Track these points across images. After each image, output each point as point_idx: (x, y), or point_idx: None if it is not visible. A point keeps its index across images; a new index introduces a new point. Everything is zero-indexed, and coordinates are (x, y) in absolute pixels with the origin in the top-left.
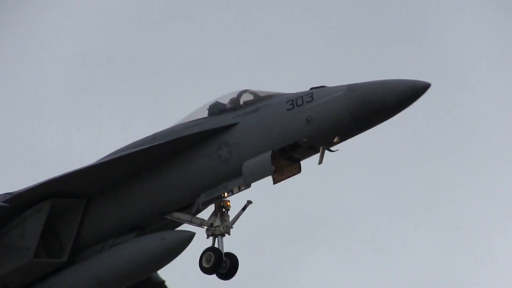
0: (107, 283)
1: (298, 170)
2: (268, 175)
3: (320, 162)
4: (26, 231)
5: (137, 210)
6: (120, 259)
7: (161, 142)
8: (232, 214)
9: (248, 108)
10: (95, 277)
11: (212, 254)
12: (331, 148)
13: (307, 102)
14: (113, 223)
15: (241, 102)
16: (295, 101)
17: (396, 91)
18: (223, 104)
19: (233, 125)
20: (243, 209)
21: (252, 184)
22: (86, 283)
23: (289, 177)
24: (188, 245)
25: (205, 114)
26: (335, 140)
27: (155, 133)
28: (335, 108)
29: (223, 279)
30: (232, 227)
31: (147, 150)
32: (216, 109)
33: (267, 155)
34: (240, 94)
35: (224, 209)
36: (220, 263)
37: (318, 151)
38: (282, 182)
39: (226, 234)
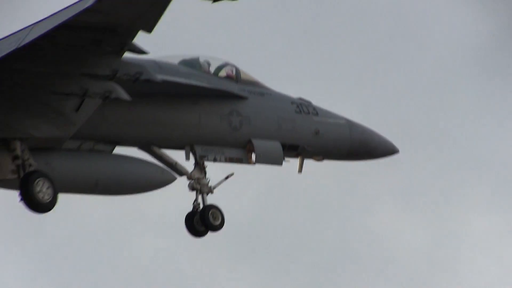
0: (100, 187)
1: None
2: (279, 165)
3: (300, 171)
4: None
5: (129, 130)
6: (122, 172)
7: (184, 81)
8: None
9: (251, 88)
10: (94, 178)
11: (218, 211)
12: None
13: (314, 114)
14: (100, 130)
15: (242, 77)
16: (301, 107)
17: (384, 148)
18: (223, 68)
19: (243, 97)
20: (226, 178)
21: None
22: (83, 178)
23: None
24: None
25: (206, 68)
26: (322, 158)
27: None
28: (341, 135)
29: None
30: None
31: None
32: (218, 70)
33: (279, 145)
34: (232, 66)
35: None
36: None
37: (299, 158)
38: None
39: (210, 193)
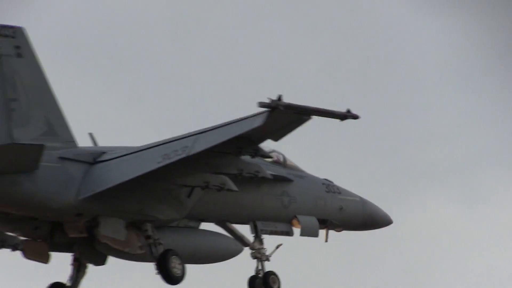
0: (196, 257)
1: None
2: (316, 236)
3: (327, 240)
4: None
5: (215, 210)
6: (212, 244)
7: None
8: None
9: (295, 172)
10: (192, 249)
11: (276, 277)
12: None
13: (338, 193)
14: (196, 210)
15: (287, 162)
16: (328, 187)
17: (384, 220)
18: (273, 154)
19: (290, 180)
20: (277, 247)
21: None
22: (185, 250)
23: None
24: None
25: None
26: (341, 230)
27: None
28: (357, 210)
29: None
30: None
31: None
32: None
33: (316, 220)
34: (279, 153)
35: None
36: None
37: (325, 229)
38: None
39: (267, 261)
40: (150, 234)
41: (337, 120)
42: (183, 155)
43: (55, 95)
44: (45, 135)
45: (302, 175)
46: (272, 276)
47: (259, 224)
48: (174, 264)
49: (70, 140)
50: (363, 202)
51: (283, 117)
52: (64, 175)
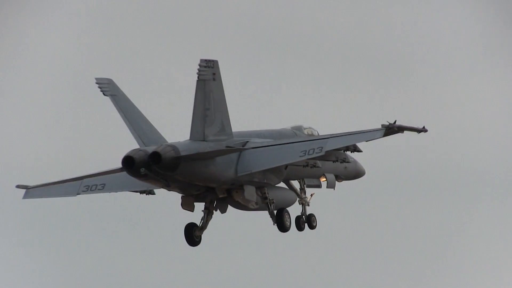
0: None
1: None
2: (334, 188)
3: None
4: None
5: (291, 176)
6: (286, 196)
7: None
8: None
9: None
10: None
11: (315, 217)
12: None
13: (346, 162)
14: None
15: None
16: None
17: (362, 171)
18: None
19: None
20: (311, 195)
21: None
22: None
23: None
24: None
25: (310, 133)
26: (342, 180)
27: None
28: (353, 168)
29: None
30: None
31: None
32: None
33: (334, 176)
34: (315, 130)
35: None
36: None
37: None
38: None
39: (308, 206)
40: (267, 196)
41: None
42: (321, 153)
43: (226, 105)
44: (220, 132)
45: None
46: (313, 217)
47: (306, 180)
48: (287, 218)
49: (230, 133)
50: (355, 161)
51: (392, 132)
52: (228, 158)
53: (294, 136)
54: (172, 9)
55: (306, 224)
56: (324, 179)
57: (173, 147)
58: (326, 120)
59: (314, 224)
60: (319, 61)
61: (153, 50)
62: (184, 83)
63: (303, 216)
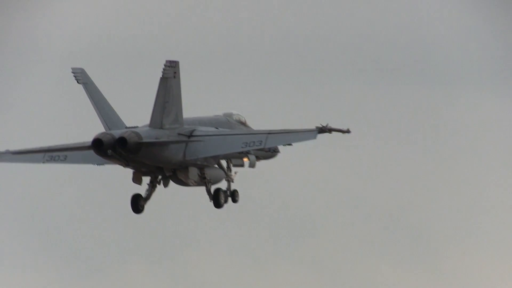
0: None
1: None
2: (254, 167)
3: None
4: None
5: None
6: (217, 174)
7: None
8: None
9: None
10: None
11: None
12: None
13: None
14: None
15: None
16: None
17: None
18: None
19: None
20: (235, 173)
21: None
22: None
23: None
24: None
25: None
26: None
27: None
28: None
29: None
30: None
31: None
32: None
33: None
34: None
35: None
36: None
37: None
38: None
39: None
40: (205, 176)
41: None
42: (260, 146)
43: (181, 99)
44: (174, 121)
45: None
46: (236, 192)
47: (232, 160)
48: (222, 197)
49: (182, 122)
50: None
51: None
52: (179, 145)
53: (227, 122)
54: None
55: (230, 198)
56: (247, 159)
57: (137, 133)
58: (257, 113)
59: (237, 199)
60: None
61: (125, 46)
62: (146, 78)
63: (228, 191)
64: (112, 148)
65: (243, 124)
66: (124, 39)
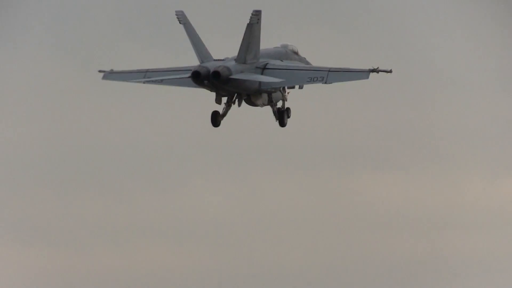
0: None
1: None
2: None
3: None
4: None
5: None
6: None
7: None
8: None
9: None
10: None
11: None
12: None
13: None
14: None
15: None
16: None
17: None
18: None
19: None
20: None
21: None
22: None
23: None
24: None
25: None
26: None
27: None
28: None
29: None
30: None
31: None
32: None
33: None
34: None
35: None
36: None
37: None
38: None
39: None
40: (272, 99)
41: None
42: (322, 82)
43: (259, 40)
44: (253, 57)
45: None
46: (289, 108)
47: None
48: (285, 118)
49: (258, 57)
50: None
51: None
52: (256, 76)
53: (285, 53)
54: None
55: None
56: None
57: (228, 68)
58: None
59: (290, 114)
60: None
61: None
62: (236, 20)
63: (284, 108)
64: (207, 78)
65: (296, 53)
66: None
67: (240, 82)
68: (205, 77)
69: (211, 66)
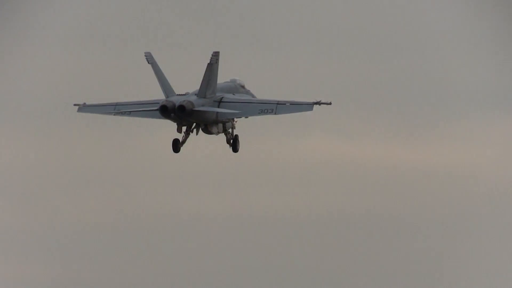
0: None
1: None
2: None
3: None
4: None
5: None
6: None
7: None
8: None
9: None
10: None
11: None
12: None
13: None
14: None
15: None
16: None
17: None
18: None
19: None
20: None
21: None
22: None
23: None
24: None
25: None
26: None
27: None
28: None
29: None
30: None
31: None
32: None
33: None
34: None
35: None
36: None
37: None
38: None
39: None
40: (226, 128)
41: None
42: (272, 113)
43: (217, 77)
44: (212, 92)
45: None
46: (236, 135)
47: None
48: (237, 144)
49: (216, 92)
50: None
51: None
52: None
53: (235, 87)
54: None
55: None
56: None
57: (191, 102)
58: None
59: (238, 141)
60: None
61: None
62: (195, 59)
63: (233, 135)
64: (174, 112)
65: (243, 87)
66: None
67: (201, 113)
68: (172, 111)
69: (176, 100)
